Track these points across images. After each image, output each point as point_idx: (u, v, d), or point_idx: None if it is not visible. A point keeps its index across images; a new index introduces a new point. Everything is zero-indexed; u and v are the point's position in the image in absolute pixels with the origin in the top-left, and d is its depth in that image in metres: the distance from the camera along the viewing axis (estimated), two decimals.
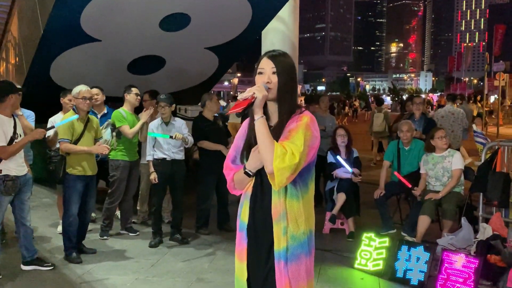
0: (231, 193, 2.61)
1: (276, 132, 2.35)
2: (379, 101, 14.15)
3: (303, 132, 2.27)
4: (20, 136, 5.03)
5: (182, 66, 9.33)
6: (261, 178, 2.42)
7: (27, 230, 5.18)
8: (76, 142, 5.45)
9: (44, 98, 7.06)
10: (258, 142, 2.30)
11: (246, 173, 2.42)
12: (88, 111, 5.63)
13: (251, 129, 2.44)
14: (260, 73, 2.41)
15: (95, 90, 6.50)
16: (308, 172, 2.41)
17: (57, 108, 6.47)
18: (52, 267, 5.21)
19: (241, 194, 2.56)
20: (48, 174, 5.59)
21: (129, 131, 6.18)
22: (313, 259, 2.46)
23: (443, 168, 5.97)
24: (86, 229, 5.84)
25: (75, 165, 5.44)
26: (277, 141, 2.30)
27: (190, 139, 6.18)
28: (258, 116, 2.30)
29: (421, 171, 6.21)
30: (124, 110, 6.40)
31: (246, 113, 2.37)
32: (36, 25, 7.70)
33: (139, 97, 6.51)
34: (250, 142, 2.45)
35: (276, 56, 2.41)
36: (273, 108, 2.43)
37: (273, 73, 2.38)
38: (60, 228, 6.31)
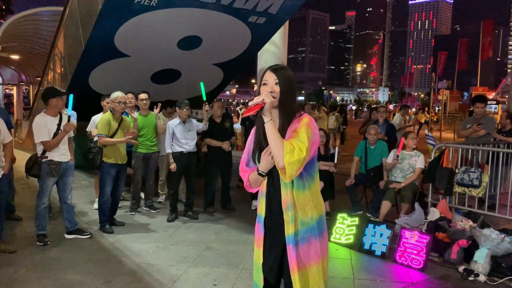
0: (248, 191, 2.47)
1: (280, 134, 2.21)
2: (333, 108, 15.35)
3: (305, 130, 2.16)
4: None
5: (194, 78, 9.26)
6: (272, 177, 2.30)
7: (69, 207, 5.13)
8: (111, 137, 5.39)
9: (84, 101, 6.99)
10: (269, 141, 2.17)
11: (259, 174, 2.30)
12: (122, 112, 5.56)
13: (259, 132, 2.33)
14: (265, 84, 2.28)
15: (130, 95, 6.36)
16: (312, 165, 2.28)
17: (96, 109, 6.41)
18: (90, 236, 5.17)
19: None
20: (87, 161, 5.52)
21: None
22: (325, 241, 2.31)
23: (409, 164, 5.96)
24: (117, 206, 5.79)
25: (110, 155, 5.39)
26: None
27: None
28: (268, 119, 2.17)
29: (388, 160, 6.15)
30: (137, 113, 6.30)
31: (259, 116, 2.25)
32: (79, 42, 7.63)
33: (144, 101, 6.35)
34: (261, 144, 2.33)
35: (278, 69, 2.27)
36: (275, 114, 2.28)
37: (276, 84, 2.23)
38: (95, 205, 6.25)
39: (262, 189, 2.39)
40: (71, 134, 5.18)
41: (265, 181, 2.36)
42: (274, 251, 2.31)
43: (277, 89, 2.24)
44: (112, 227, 5.45)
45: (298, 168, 2.12)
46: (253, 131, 2.43)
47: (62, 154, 4.96)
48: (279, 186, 2.26)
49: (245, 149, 2.45)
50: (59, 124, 4.93)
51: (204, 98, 6.17)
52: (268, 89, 2.25)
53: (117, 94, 5.46)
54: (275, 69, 2.28)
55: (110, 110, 5.54)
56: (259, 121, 2.30)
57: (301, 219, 2.23)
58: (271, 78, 2.26)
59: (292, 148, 2.10)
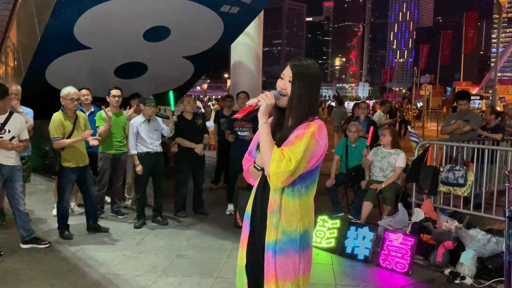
0: (247, 181, 2.45)
1: (285, 135, 2.19)
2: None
3: (306, 141, 2.09)
4: (9, 131, 4.80)
5: (162, 72, 9.20)
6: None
7: (22, 214, 4.97)
8: (67, 138, 5.24)
9: (41, 98, 6.85)
10: (260, 146, 2.17)
11: (255, 166, 2.29)
12: (75, 110, 5.39)
13: (272, 125, 2.30)
14: (281, 78, 2.25)
15: (84, 91, 6.30)
16: (310, 176, 2.22)
17: (54, 106, 6.25)
18: (48, 245, 5.04)
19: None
20: (44, 166, 5.39)
21: (100, 130, 6.00)
22: (307, 257, 2.25)
23: (388, 163, 6.03)
24: (96, 210, 5.74)
25: (69, 159, 5.26)
26: (285, 140, 2.15)
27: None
28: (261, 122, 2.15)
29: (368, 157, 6.26)
30: (107, 110, 6.21)
31: (249, 118, 2.24)
32: (34, 33, 7.45)
33: (117, 98, 6.25)
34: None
35: (296, 66, 2.21)
36: (287, 112, 2.26)
37: (289, 81, 2.19)
38: (55, 211, 6.11)
39: (255, 184, 2.37)
40: (26, 135, 5.03)
41: (260, 177, 2.33)
42: (257, 253, 2.27)
43: (289, 87, 2.21)
44: (75, 235, 5.36)
45: (284, 179, 2.08)
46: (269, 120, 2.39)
47: (6, 156, 4.80)
48: (269, 187, 2.21)
49: (253, 139, 2.42)
50: (3, 124, 4.78)
51: (173, 108, 6.10)
52: (281, 84, 2.24)
53: (69, 90, 5.25)
54: (293, 65, 2.23)
55: (61, 109, 5.35)
56: (275, 117, 2.28)
57: (284, 228, 2.18)
58: (287, 74, 2.23)
59: (280, 158, 2.06)
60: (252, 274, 2.30)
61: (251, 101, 2.19)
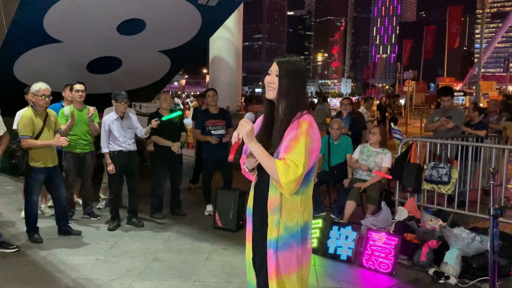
0: (248, 179, 2.56)
1: (278, 134, 2.29)
2: None
3: (304, 141, 2.20)
4: None
5: (137, 67, 9.09)
6: (263, 171, 2.35)
7: None
8: (37, 137, 5.13)
9: (8, 94, 6.69)
10: (263, 165, 2.26)
11: (246, 168, 2.42)
12: (46, 107, 5.26)
13: (264, 123, 2.42)
14: (268, 74, 2.37)
15: (78, 86, 6.07)
16: (308, 172, 2.33)
17: (23, 103, 6.12)
18: (16, 249, 4.94)
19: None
20: (12, 166, 5.26)
21: (63, 129, 5.77)
22: (308, 249, 2.40)
23: (375, 162, 6.05)
24: (66, 212, 5.60)
25: (37, 159, 5.15)
26: (279, 142, 2.27)
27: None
28: (254, 148, 2.25)
29: (354, 156, 6.28)
30: (70, 107, 6.06)
31: (237, 157, 2.35)
32: (0, 26, 7.26)
33: (80, 93, 6.04)
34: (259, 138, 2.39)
35: (283, 62, 2.34)
36: (276, 104, 2.38)
37: (276, 76, 2.32)
38: (24, 213, 5.98)
39: (254, 179, 2.48)
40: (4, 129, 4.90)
41: (257, 173, 2.44)
42: (260, 249, 2.39)
43: (276, 81, 2.33)
44: (46, 238, 5.26)
45: (297, 184, 2.20)
46: (259, 119, 2.50)
47: None
48: (267, 182, 2.33)
49: None
50: None
51: (163, 118, 6.00)
52: (268, 79, 2.36)
53: (40, 86, 5.13)
54: (280, 61, 2.37)
55: (31, 106, 5.23)
56: (266, 110, 2.40)
57: (285, 224, 2.30)
58: (274, 69, 2.36)
59: (286, 168, 2.17)
60: (258, 268, 2.43)
61: (233, 139, 2.30)
